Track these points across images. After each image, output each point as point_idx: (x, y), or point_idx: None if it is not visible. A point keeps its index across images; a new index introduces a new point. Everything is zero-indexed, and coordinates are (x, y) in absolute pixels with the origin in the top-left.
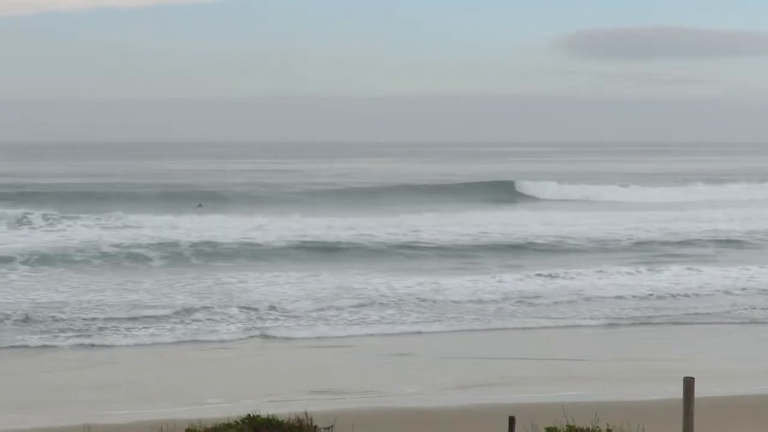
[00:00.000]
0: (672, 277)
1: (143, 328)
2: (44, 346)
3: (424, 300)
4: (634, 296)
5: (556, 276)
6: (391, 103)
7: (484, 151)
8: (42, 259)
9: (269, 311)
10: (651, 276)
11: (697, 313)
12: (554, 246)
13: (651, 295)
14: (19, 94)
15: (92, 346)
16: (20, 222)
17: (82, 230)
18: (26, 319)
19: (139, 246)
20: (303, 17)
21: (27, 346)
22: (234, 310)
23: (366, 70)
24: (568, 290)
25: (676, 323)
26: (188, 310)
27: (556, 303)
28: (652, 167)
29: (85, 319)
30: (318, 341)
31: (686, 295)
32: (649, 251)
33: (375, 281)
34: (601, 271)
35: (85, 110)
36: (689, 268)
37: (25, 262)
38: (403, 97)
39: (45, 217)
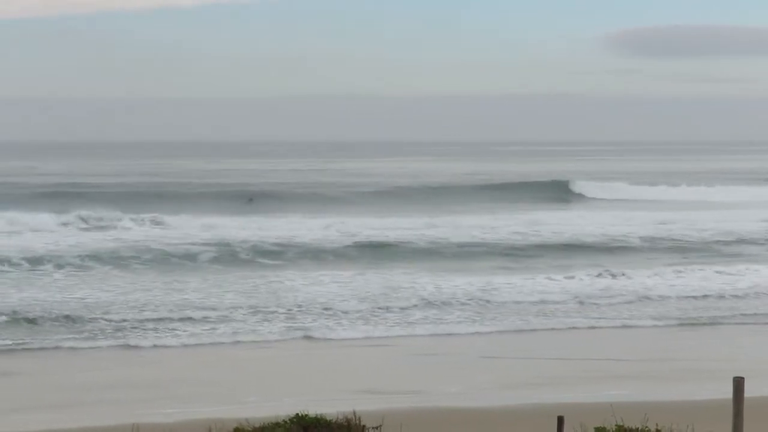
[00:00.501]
0: (722, 276)
1: (188, 327)
2: (90, 347)
3: (471, 299)
4: (684, 296)
5: (608, 276)
6: (435, 102)
7: (535, 150)
8: (89, 258)
9: (315, 311)
10: (701, 275)
11: (745, 314)
12: (606, 245)
13: (701, 294)
14: (65, 93)
15: (137, 346)
16: (71, 221)
17: (131, 229)
18: (67, 318)
19: (188, 245)
20: (355, 17)
21: (72, 347)
22: (280, 310)
23: (411, 68)
24: (618, 290)
25: (725, 323)
26: (234, 310)
27: (605, 303)
28: (704, 166)
29: (130, 319)
30: (363, 341)
31: (736, 296)
32: (703, 251)
33: (422, 281)
34: (652, 271)
35: (128, 110)
36: (747, 268)
37: (72, 261)
38: (446, 96)
39: (95, 217)
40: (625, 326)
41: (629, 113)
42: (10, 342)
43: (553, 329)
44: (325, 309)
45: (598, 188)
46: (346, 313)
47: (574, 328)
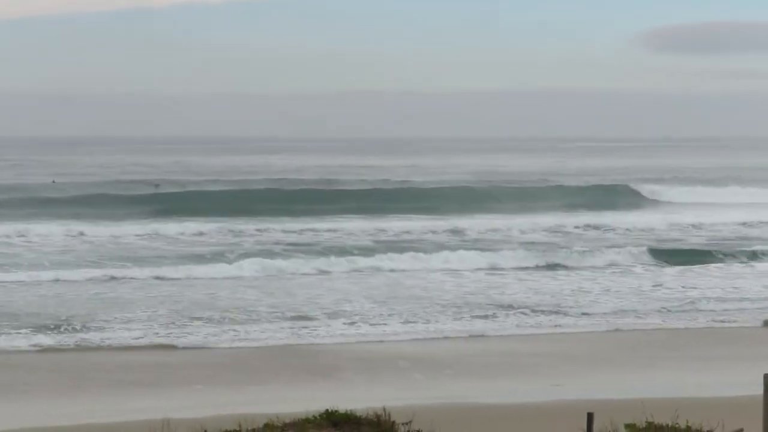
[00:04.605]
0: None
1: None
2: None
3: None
4: (719, 298)
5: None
6: (482, 99)
7: (575, 147)
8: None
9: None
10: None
11: None
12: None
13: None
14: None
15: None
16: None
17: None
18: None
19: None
20: (401, 16)
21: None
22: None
23: (444, 65)
24: (674, 294)
25: (757, 325)
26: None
27: (649, 308)
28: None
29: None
30: (390, 341)
31: None
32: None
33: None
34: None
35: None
36: None
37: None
38: (493, 92)
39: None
40: (659, 329)
41: (664, 109)
42: None
43: (585, 332)
44: (348, 313)
45: (666, 191)
46: (376, 312)
47: (607, 330)
